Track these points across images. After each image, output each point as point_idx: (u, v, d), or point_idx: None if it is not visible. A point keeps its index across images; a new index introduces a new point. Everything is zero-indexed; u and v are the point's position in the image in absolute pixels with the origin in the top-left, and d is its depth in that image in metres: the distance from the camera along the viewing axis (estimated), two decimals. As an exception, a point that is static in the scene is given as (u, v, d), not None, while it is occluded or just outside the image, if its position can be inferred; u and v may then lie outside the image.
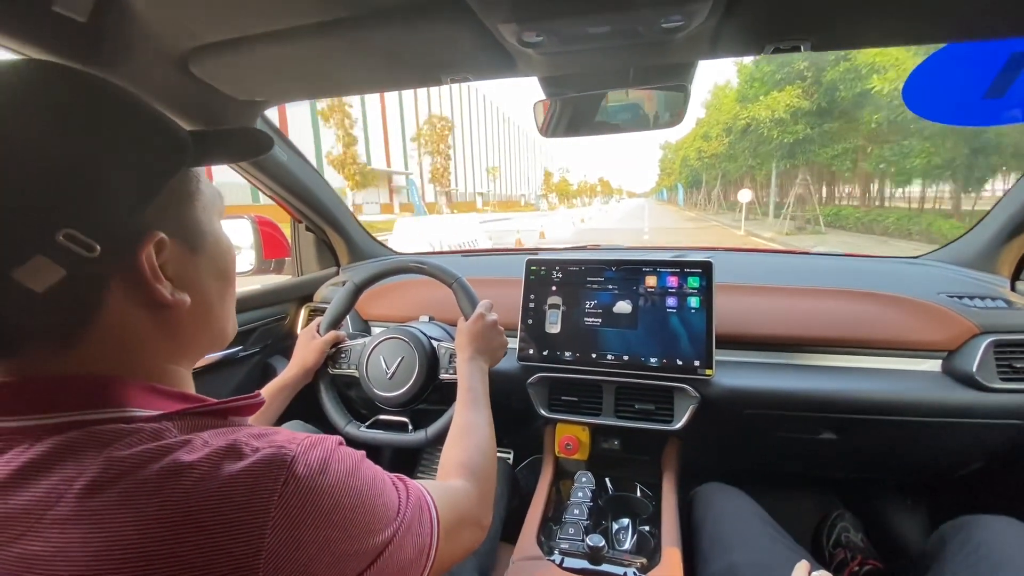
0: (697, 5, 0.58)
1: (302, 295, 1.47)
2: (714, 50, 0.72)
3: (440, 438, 0.92)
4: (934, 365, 1.04)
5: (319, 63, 0.80)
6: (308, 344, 1.05)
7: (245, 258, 1.35)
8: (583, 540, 0.85)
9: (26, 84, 0.36)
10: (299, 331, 1.40)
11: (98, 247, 0.35)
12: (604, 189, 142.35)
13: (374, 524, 0.40)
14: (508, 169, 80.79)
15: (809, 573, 0.71)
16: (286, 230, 1.54)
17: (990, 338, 0.98)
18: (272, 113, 1.08)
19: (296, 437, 0.39)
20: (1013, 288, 1.10)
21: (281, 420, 0.99)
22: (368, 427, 1.03)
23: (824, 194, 21.39)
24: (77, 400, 0.36)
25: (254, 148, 0.50)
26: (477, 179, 64.38)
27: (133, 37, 0.70)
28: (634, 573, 0.80)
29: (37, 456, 0.33)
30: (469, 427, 0.76)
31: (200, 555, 0.31)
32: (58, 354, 0.36)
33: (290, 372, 1.00)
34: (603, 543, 0.82)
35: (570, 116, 0.93)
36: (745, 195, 17.05)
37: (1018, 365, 0.96)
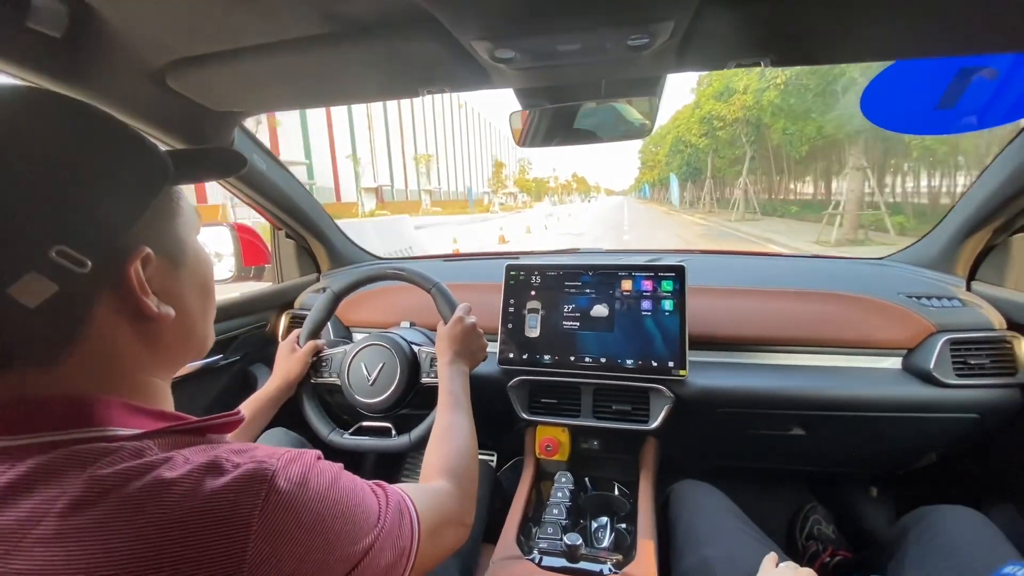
0: (660, 26, 0.60)
1: (283, 302, 1.47)
2: (680, 65, 0.75)
3: (423, 442, 0.93)
4: (895, 363, 1.08)
5: (297, 76, 0.81)
6: (289, 356, 1.05)
7: (225, 266, 1.34)
8: (561, 539, 0.87)
9: (17, 111, 0.38)
10: (280, 338, 1.41)
11: (89, 263, 0.36)
12: (580, 186, 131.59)
13: (354, 532, 0.41)
14: (467, 162, 72.01)
15: (776, 564, 0.74)
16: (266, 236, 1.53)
17: (946, 336, 1.03)
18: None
19: (276, 452, 0.40)
20: (969, 288, 1.16)
21: (265, 428, 0.99)
22: (351, 434, 1.04)
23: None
24: (58, 420, 0.36)
25: (229, 167, 0.53)
26: (430, 175, 54.91)
27: (109, 53, 0.70)
28: (610, 569, 0.83)
29: (18, 477, 0.33)
30: (450, 429, 0.78)
31: (183, 570, 0.32)
32: (44, 371, 0.37)
33: (273, 385, 1.00)
34: (580, 541, 0.84)
35: (545, 126, 0.95)
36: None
37: (972, 362, 1.01)
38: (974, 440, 1.09)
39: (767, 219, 19.59)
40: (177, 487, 0.34)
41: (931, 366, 1.01)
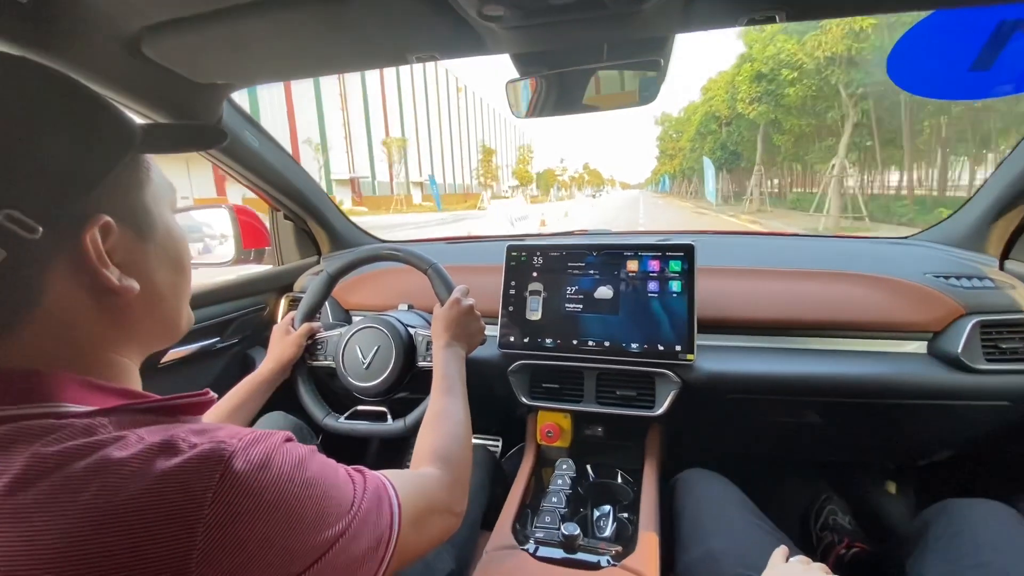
0: None
1: (282, 285, 1.45)
2: (686, 23, 0.69)
3: (418, 427, 0.90)
4: (920, 347, 1.02)
5: (280, 43, 0.77)
6: (283, 338, 1.03)
7: (227, 249, 1.32)
8: (559, 529, 0.83)
9: None
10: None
11: (40, 228, 0.35)
12: (593, 179, 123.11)
13: (324, 518, 0.39)
14: (467, 151, 64.05)
15: (787, 558, 0.70)
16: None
17: (976, 319, 0.96)
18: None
19: (239, 432, 0.38)
20: (1002, 267, 1.08)
21: (262, 411, 0.98)
22: (347, 418, 1.02)
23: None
24: (8, 394, 0.35)
25: (205, 139, 0.50)
26: (426, 165, 47.70)
27: (78, 18, 0.66)
28: (608, 561, 0.79)
29: None
30: (443, 413, 0.75)
31: (126, 556, 0.30)
32: None
33: (266, 367, 0.98)
34: (578, 531, 0.81)
35: (543, 95, 0.89)
36: None
37: (1004, 346, 0.94)
38: (1002, 429, 1.03)
39: (885, 228, 11.86)
40: (124, 467, 0.32)
41: (959, 350, 0.94)
